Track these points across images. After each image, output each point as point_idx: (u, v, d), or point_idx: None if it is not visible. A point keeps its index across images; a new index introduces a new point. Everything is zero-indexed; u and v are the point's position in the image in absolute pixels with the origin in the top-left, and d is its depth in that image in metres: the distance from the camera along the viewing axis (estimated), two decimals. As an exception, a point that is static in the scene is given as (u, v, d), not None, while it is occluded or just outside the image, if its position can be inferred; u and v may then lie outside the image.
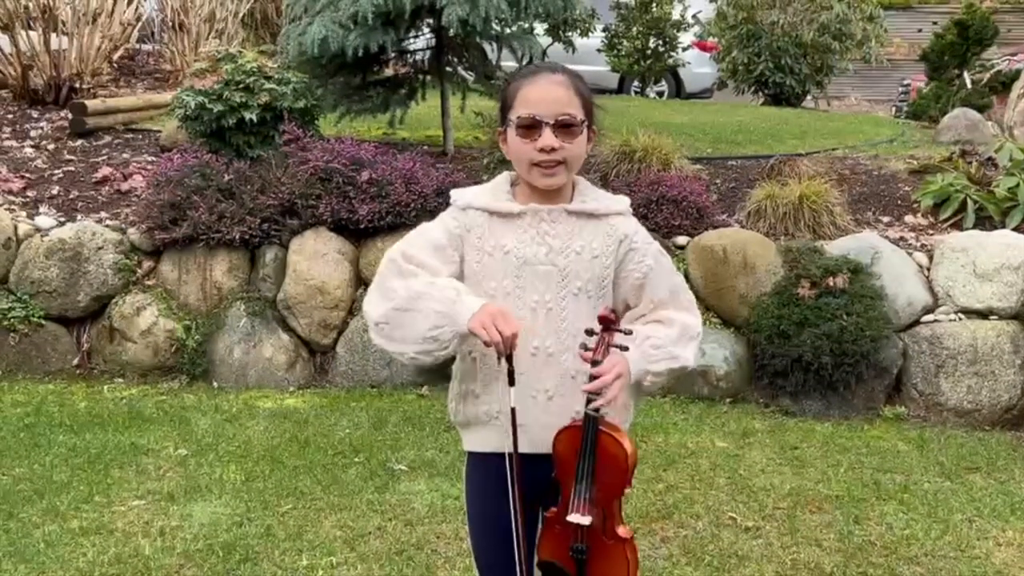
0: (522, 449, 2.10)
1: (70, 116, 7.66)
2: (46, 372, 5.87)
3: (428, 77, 7.21)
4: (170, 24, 9.70)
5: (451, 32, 6.29)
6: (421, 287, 2.04)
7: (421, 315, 2.02)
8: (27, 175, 6.83)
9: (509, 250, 2.14)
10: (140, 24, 9.89)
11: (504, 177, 2.24)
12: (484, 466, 2.21)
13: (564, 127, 2.09)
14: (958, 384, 5.34)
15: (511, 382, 2.02)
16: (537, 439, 2.14)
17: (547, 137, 2.08)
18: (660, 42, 12.51)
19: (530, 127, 2.09)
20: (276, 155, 6.19)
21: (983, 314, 5.46)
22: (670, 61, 12.76)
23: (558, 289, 2.15)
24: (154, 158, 7.06)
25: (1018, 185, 6.09)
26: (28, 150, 7.32)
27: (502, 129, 2.18)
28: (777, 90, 11.91)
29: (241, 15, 10.27)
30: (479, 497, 2.27)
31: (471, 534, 2.33)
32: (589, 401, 2.04)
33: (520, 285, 2.13)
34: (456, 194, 2.22)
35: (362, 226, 5.84)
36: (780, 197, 6.05)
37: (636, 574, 2.14)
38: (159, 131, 7.59)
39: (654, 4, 12.21)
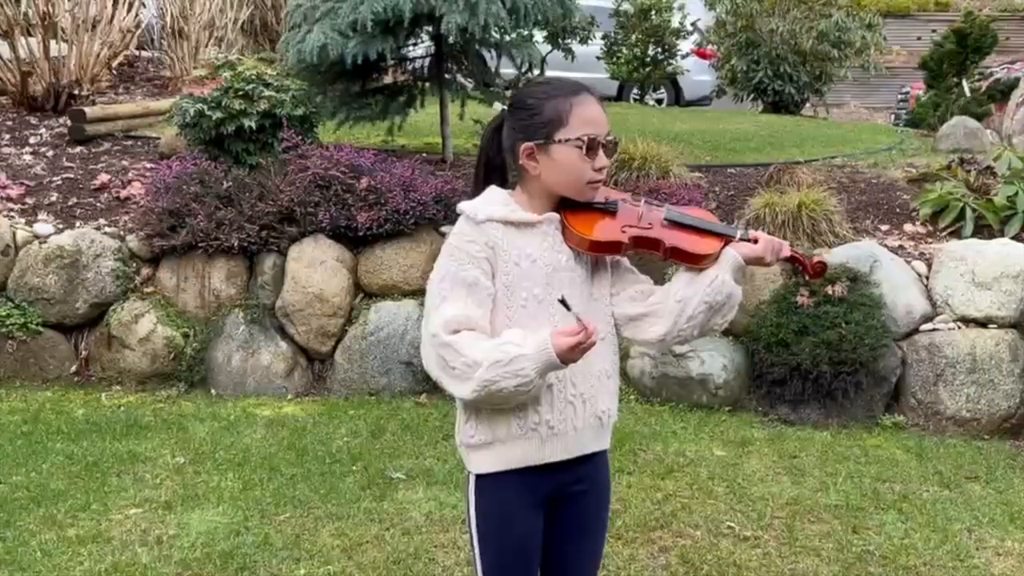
0: (556, 457, 2.18)
1: (69, 123, 7.67)
2: (44, 379, 5.86)
3: (427, 84, 7.22)
4: (169, 31, 9.71)
5: (450, 39, 6.30)
6: (485, 357, 2.03)
7: (505, 378, 2.02)
8: (26, 182, 6.82)
9: (536, 258, 2.14)
10: (140, 31, 9.91)
11: (500, 192, 2.21)
12: (517, 482, 2.18)
13: (611, 147, 2.16)
14: (957, 393, 5.33)
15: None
16: (572, 445, 2.19)
17: (603, 158, 2.15)
18: (659, 50, 12.52)
19: (592, 147, 2.13)
20: (275, 162, 6.19)
21: (982, 323, 5.45)
22: (669, 69, 12.78)
23: (581, 292, 2.18)
24: (153, 165, 7.05)
25: (1017, 193, 6.09)
26: (27, 157, 7.32)
27: (534, 145, 2.14)
28: (776, 98, 11.92)
29: (240, 22, 10.29)
30: (507, 517, 2.20)
31: (491, 558, 2.22)
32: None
33: (550, 292, 2.14)
34: (470, 209, 2.16)
35: (361, 233, 5.84)
36: (779, 205, 6.04)
37: None
38: (158, 138, 7.59)
39: (653, 12, 12.23)
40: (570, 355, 2.01)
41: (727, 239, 2.21)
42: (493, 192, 2.21)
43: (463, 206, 2.18)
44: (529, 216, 2.16)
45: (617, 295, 2.26)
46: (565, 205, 2.19)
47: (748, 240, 2.22)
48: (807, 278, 2.37)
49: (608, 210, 2.20)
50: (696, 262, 2.20)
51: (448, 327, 2.07)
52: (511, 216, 2.15)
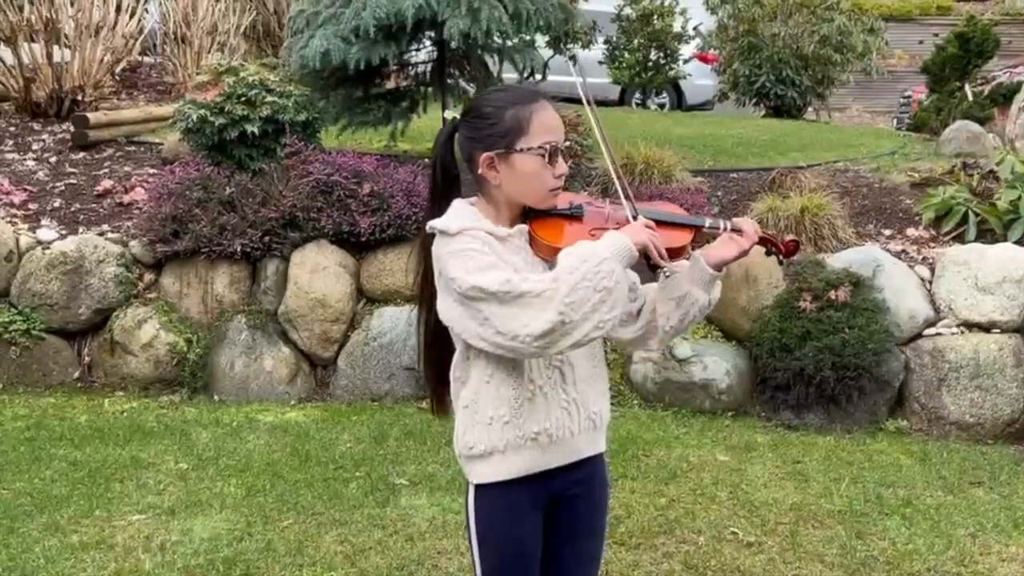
0: (556, 464, 2.18)
1: (72, 129, 7.68)
2: (47, 385, 5.87)
3: (429, 90, 7.22)
4: (172, 37, 9.73)
5: (453, 45, 6.30)
6: (561, 272, 1.96)
7: (589, 284, 1.94)
8: (29, 188, 6.84)
9: (519, 269, 2.11)
10: (142, 37, 9.91)
11: (467, 207, 2.16)
12: (517, 490, 2.17)
13: (566, 153, 2.18)
14: (960, 397, 5.33)
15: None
16: (570, 450, 2.19)
17: (563, 164, 2.13)
18: (661, 54, 12.54)
19: (553, 155, 2.11)
20: (278, 168, 6.20)
21: (985, 327, 5.45)
22: (671, 73, 12.80)
23: None
24: (156, 171, 7.07)
25: (1020, 198, 6.09)
26: (30, 163, 7.33)
27: (494, 155, 2.10)
28: (778, 102, 11.92)
29: (243, 28, 10.29)
30: (507, 525, 2.20)
31: (490, 565, 2.21)
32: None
33: None
34: (443, 225, 2.09)
35: (363, 239, 5.85)
36: (782, 210, 6.05)
37: None
38: (161, 144, 7.60)
39: (655, 16, 12.25)
40: (642, 234, 2.00)
41: (696, 229, 2.21)
42: (460, 208, 2.15)
43: (436, 224, 2.10)
44: (500, 229, 2.13)
45: None
46: (530, 215, 2.16)
47: (736, 231, 2.20)
48: (781, 258, 2.35)
49: (574, 215, 2.17)
50: (669, 255, 2.19)
51: (505, 278, 1.98)
52: (486, 229, 2.10)
